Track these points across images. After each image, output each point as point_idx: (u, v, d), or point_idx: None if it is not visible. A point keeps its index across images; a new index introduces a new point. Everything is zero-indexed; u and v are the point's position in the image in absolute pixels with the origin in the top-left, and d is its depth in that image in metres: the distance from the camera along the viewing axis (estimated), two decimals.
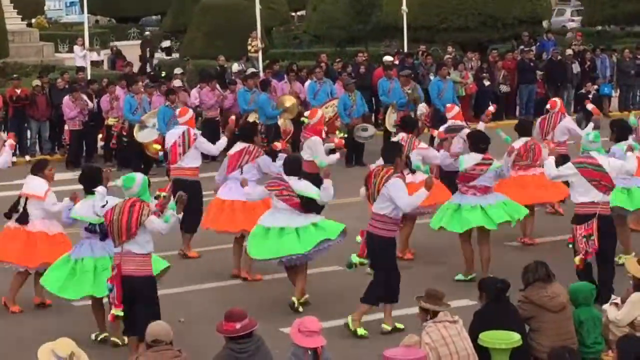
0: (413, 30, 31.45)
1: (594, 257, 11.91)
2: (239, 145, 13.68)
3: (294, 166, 12.30)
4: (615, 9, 41.89)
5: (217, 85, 22.91)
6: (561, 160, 14.23)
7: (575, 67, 28.07)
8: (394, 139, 14.99)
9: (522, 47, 30.00)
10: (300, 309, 11.98)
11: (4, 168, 14.09)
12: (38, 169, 12.63)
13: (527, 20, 33.71)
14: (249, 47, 30.12)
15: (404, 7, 28.48)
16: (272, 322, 10.96)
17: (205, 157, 15.60)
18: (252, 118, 21.64)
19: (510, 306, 9.47)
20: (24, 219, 12.41)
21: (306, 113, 16.84)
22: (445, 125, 15.79)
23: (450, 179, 14.21)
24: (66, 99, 21.83)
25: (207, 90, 22.43)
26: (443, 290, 9.26)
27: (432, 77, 24.78)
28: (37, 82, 23.28)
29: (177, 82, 23.34)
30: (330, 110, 22.33)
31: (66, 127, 22.21)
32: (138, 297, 10.34)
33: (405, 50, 28.61)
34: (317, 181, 12.42)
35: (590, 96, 26.95)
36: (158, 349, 8.03)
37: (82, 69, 26.26)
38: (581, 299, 9.82)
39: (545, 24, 37.52)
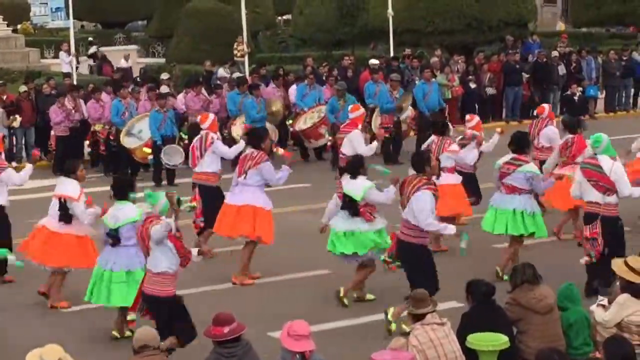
0: (399, 34, 31.48)
1: None
2: (246, 151, 13.77)
3: (349, 165, 12.45)
4: (599, 10, 42.12)
5: (203, 90, 22.88)
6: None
7: (561, 69, 28.16)
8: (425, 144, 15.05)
9: (507, 50, 29.97)
10: (346, 302, 12.23)
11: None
12: (70, 171, 12.60)
13: (513, 23, 33.78)
14: (235, 52, 30.16)
15: (390, 10, 28.51)
16: (260, 327, 10.96)
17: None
18: (238, 122, 21.65)
19: (498, 308, 9.49)
20: (67, 219, 12.38)
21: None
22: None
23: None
24: (54, 106, 21.74)
25: (192, 95, 22.40)
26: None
27: (417, 81, 24.81)
28: (23, 88, 23.23)
29: (164, 88, 23.33)
30: (315, 116, 22.38)
31: (52, 132, 22.16)
32: None
33: (392, 53, 28.63)
34: None
35: (576, 98, 27.07)
36: (146, 353, 8.04)
37: (68, 74, 26.17)
38: (566, 303, 9.82)
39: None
